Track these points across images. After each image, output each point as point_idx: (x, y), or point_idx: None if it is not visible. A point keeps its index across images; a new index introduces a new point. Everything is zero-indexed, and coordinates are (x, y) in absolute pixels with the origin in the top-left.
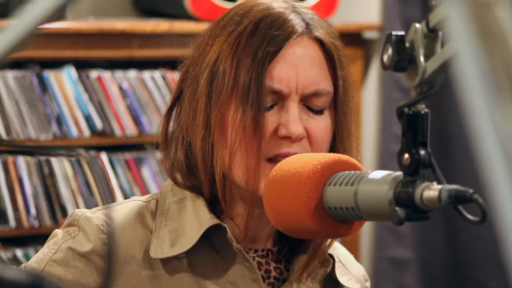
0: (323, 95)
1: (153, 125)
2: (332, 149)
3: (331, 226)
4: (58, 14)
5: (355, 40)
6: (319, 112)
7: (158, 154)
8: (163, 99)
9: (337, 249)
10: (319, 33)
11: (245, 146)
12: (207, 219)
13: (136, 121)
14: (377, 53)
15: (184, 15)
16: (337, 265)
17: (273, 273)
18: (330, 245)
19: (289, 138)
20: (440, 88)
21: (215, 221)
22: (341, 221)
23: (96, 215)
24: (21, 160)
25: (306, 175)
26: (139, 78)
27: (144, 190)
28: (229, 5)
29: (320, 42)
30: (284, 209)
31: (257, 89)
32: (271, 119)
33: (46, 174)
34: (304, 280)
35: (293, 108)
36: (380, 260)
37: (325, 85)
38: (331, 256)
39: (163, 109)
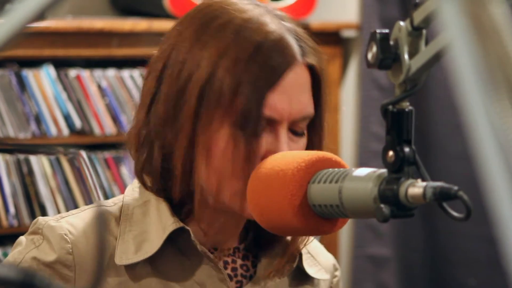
0: (307, 119)
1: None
2: None
3: (315, 224)
4: (45, 13)
5: (333, 39)
6: (301, 134)
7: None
8: None
9: (299, 238)
10: (311, 59)
11: (234, 169)
12: (170, 223)
13: (115, 120)
14: (356, 52)
15: (163, 14)
16: (305, 256)
17: (240, 271)
18: (303, 242)
19: None
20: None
21: (178, 224)
22: (326, 219)
23: (59, 223)
24: (0, 158)
25: (290, 173)
26: (118, 77)
27: (124, 189)
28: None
29: (310, 68)
30: (268, 207)
31: (256, 117)
32: (261, 144)
33: (25, 173)
34: (271, 276)
35: (283, 135)
36: (359, 258)
37: (311, 109)
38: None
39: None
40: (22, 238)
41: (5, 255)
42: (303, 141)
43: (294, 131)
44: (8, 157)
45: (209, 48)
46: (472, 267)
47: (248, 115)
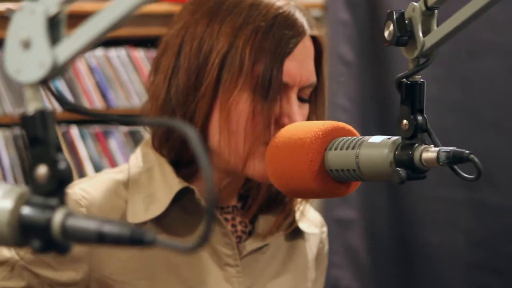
0: (312, 86)
1: (119, 99)
2: None
3: (332, 187)
4: None
5: None
6: (306, 101)
7: (124, 128)
8: (128, 76)
9: (296, 199)
10: (315, 31)
11: (249, 130)
12: (176, 183)
13: (104, 96)
14: (321, 31)
15: None
16: (297, 214)
17: (239, 227)
18: (301, 202)
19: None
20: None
21: (183, 184)
22: (341, 182)
23: (73, 190)
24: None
25: (308, 141)
26: (105, 56)
27: (112, 161)
28: None
29: (314, 39)
30: (287, 172)
31: (275, 82)
32: (276, 107)
33: (22, 146)
34: (272, 231)
35: (295, 99)
36: (327, 220)
37: (315, 77)
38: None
39: (128, 85)
40: None
41: None
42: (307, 107)
43: (300, 98)
44: (7, 132)
45: (226, 23)
46: (432, 227)
47: (268, 81)
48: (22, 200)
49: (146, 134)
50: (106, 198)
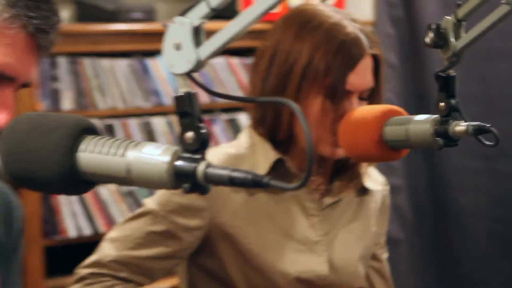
0: (369, 89)
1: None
2: None
3: (388, 153)
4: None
5: None
6: (365, 99)
7: (224, 116)
8: (226, 77)
9: (361, 164)
10: (374, 50)
11: (323, 124)
12: (273, 155)
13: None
14: (379, 49)
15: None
16: (364, 175)
17: (322, 187)
18: (364, 167)
19: None
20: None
21: (279, 155)
22: (395, 149)
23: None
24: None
25: (371, 119)
26: (210, 63)
27: (216, 142)
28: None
29: (374, 56)
30: (355, 143)
31: (340, 90)
32: (341, 108)
33: (148, 131)
34: (343, 189)
35: (356, 102)
36: None
37: (372, 83)
38: (359, 170)
39: (226, 84)
40: None
41: None
42: (365, 103)
43: (360, 97)
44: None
45: (307, 42)
46: (460, 190)
47: (335, 89)
48: (176, 156)
49: (242, 122)
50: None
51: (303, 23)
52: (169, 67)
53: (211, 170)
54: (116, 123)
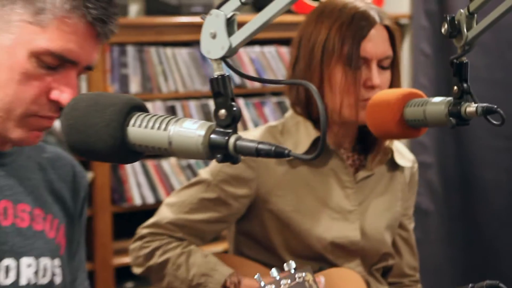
0: (388, 58)
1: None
2: None
3: (408, 131)
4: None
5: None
6: (386, 68)
7: (274, 99)
8: (276, 65)
9: (394, 142)
10: (386, 22)
11: (348, 93)
12: (313, 133)
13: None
14: (408, 33)
15: (288, 10)
16: (395, 153)
17: (356, 162)
18: (389, 143)
19: (371, 87)
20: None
21: (319, 133)
22: (414, 128)
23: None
24: (192, 104)
25: (393, 101)
26: (261, 51)
27: (266, 122)
28: (314, 3)
29: (386, 27)
30: (380, 122)
31: (356, 57)
32: (361, 74)
33: (206, 112)
34: (376, 163)
35: (374, 69)
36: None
37: (390, 52)
38: (390, 148)
39: (276, 71)
40: None
41: None
42: (388, 73)
43: (381, 66)
44: (197, 102)
45: (324, 23)
46: (484, 166)
47: (351, 56)
48: (210, 130)
49: (289, 104)
50: (267, 140)
51: (322, 10)
52: (206, 53)
53: (240, 143)
54: (177, 104)
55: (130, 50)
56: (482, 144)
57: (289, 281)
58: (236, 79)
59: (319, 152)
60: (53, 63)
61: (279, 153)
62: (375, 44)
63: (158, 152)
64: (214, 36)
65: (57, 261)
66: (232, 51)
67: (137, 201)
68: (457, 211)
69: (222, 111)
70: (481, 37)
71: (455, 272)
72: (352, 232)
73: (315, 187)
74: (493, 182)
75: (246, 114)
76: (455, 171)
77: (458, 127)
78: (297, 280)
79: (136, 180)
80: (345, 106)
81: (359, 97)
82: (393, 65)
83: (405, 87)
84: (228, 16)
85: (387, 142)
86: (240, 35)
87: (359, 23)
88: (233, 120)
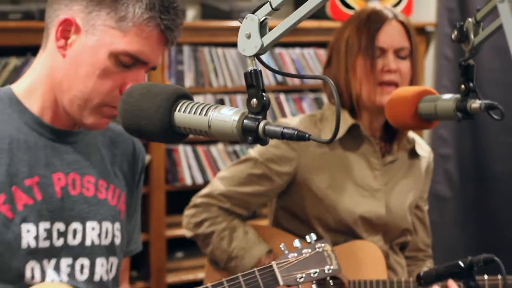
0: (405, 49)
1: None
2: (411, 81)
3: (422, 123)
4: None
5: (420, 32)
6: (404, 58)
7: (311, 95)
8: (314, 65)
9: (415, 135)
10: (400, 18)
11: (367, 78)
12: (349, 120)
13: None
14: (434, 39)
15: (326, 17)
16: (415, 144)
17: (383, 149)
18: (407, 134)
19: (389, 71)
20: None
21: (354, 121)
22: (427, 121)
23: (290, 122)
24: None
25: (409, 98)
26: (301, 53)
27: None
28: (349, 11)
29: (401, 23)
30: (397, 114)
31: (373, 47)
32: (379, 63)
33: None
34: (400, 150)
35: (390, 56)
36: (434, 155)
37: (406, 43)
38: (413, 138)
39: (314, 70)
40: None
41: None
42: (407, 62)
43: (399, 56)
44: (243, 96)
45: (348, 27)
46: (497, 158)
47: (368, 47)
48: (243, 116)
49: (325, 100)
50: (306, 126)
51: (352, 17)
52: (241, 50)
53: (268, 127)
54: (226, 98)
55: (186, 50)
56: (496, 139)
57: (309, 250)
58: (278, 77)
59: (333, 137)
60: (128, 62)
61: (300, 137)
62: (391, 36)
63: (200, 134)
64: (249, 36)
65: (117, 225)
66: (263, 50)
67: (188, 181)
68: (471, 198)
69: (254, 100)
70: (497, 41)
71: (466, 254)
72: (379, 208)
73: (348, 167)
74: (505, 174)
75: (286, 108)
76: (471, 163)
77: (475, 125)
78: (317, 249)
79: (187, 163)
80: (365, 91)
81: (376, 81)
82: (412, 56)
83: (429, 87)
84: (261, 19)
85: (406, 133)
86: (271, 36)
87: (374, 18)
88: (263, 108)
